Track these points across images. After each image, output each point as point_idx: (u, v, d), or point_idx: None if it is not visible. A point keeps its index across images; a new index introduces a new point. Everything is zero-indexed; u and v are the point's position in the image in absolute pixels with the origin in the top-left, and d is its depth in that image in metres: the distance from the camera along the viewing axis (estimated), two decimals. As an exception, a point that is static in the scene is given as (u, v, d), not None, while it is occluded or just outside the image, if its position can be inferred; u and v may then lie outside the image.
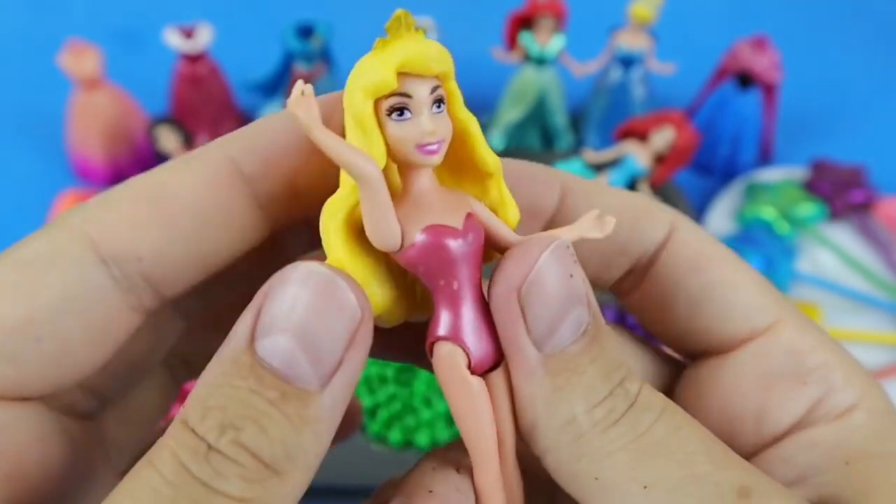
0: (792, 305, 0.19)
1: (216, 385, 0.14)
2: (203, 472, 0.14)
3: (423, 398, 0.46)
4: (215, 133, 0.64)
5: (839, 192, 0.59)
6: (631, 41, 0.60)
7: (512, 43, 0.60)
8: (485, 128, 0.66)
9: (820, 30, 0.83)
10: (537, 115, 0.62)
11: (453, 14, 0.79)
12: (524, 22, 0.59)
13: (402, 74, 0.15)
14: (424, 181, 0.16)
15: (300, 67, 0.58)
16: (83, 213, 0.16)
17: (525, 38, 0.58)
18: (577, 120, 0.67)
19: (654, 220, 0.19)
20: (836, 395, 0.18)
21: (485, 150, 0.16)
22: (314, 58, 0.58)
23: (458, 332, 0.16)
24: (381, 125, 0.15)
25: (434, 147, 0.15)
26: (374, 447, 0.44)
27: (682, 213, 0.20)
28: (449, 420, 0.46)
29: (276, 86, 0.61)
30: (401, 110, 0.15)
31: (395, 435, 0.44)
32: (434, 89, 0.16)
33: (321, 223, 0.15)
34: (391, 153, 0.16)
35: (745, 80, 0.61)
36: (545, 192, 0.19)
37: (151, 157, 0.62)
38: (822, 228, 0.59)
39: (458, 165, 0.17)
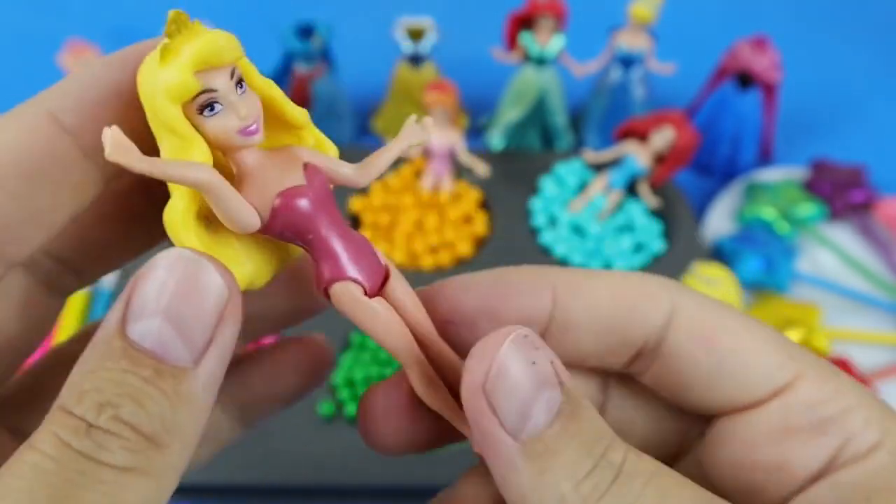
0: (807, 355, 0.19)
1: (90, 371, 0.15)
2: (85, 446, 0.14)
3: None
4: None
5: (839, 192, 0.59)
6: (631, 41, 0.60)
7: (512, 43, 0.60)
8: (485, 128, 0.66)
9: (820, 30, 0.83)
10: (537, 116, 0.62)
11: (453, 15, 0.79)
12: (524, 22, 0.59)
13: (199, 72, 0.15)
14: (252, 156, 0.16)
15: (300, 67, 0.58)
16: None
17: (525, 39, 0.58)
18: (577, 120, 0.67)
19: (653, 301, 0.19)
20: (857, 439, 0.18)
21: (291, 108, 0.17)
22: (314, 58, 0.58)
23: (342, 270, 0.17)
24: (195, 124, 0.16)
25: (253, 128, 0.16)
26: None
27: (680, 284, 0.20)
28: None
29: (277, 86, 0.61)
30: (211, 105, 0.16)
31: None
32: (232, 74, 0.16)
33: (168, 233, 0.16)
34: (214, 145, 0.16)
35: (745, 80, 0.61)
36: (535, 304, 0.19)
37: (151, 158, 0.62)
38: (822, 228, 0.59)
39: (272, 124, 0.17)
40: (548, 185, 0.58)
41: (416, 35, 0.60)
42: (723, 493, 0.18)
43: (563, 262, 0.54)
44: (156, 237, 0.19)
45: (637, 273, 0.21)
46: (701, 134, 0.60)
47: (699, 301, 0.20)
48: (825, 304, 0.53)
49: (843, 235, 0.59)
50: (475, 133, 0.68)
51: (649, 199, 0.57)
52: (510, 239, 0.55)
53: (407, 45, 0.60)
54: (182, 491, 0.42)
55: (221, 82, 0.16)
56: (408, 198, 0.56)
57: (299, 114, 0.17)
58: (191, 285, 0.15)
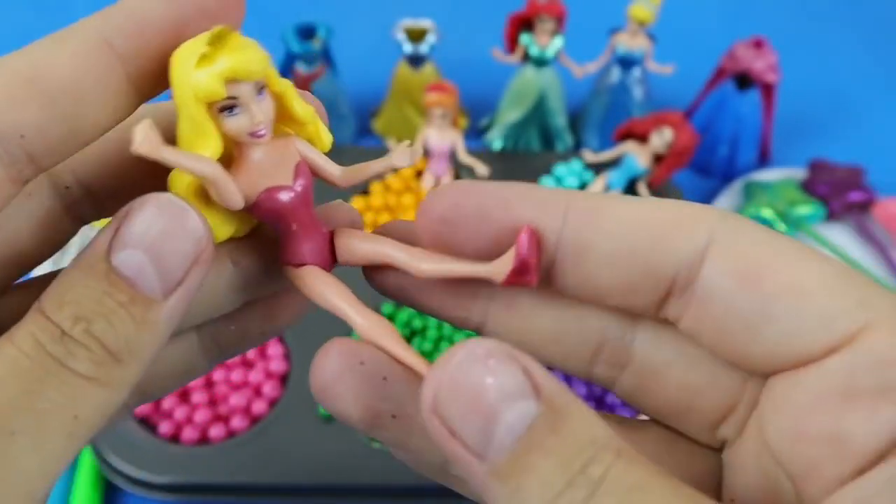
0: (887, 299, 0.16)
1: (73, 284, 0.16)
2: (57, 351, 0.16)
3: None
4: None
5: (837, 193, 0.59)
6: (630, 42, 0.60)
7: (512, 44, 0.60)
8: (485, 128, 0.67)
9: (818, 31, 0.83)
10: (537, 116, 0.62)
11: (453, 15, 0.79)
12: (524, 23, 0.59)
13: (228, 82, 0.17)
14: (254, 149, 0.19)
15: (301, 68, 0.58)
16: None
17: (525, 40, 0.59)
18: (576, 120, 0.67)
19: (687, 228, 0.17)
20: None
21: (299, 107, 0.19)
22: (315, 59, 0.58)
23: (302, 257, 0.20)
24: (214, 118, 0.18)
25: (262, 132, 0.18)
26: (374, 447, 0.44)
27: (726, 211, 0.17)
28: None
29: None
30: (231, 108, 0.18)
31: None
32: (256, 84, 0.18)
33: (169, 183, 0.18)
34: (227, 138, 0.18)
35: (744, 81, 0.61)
36: (542, 217, 0.18)
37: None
38: (820, 229, 0.59)
39: (281, 114, 0.19)
40: (547, 185, 0.58)
41: (416, 36, 0.60)
42: (784, 470, 0.16)
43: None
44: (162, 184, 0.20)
45: (673, 200, 0.18)
46: (700, 134, 0.60)
47: (747, 229, 0.17)
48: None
49: (841, 236, 0.59)
50: (475, 133, 0.68)
51: (648, 199, 0.57)
52: (510, 239, 0.55)
53: (407, 46, 0.60)
54: (183, 490, 0.42)
55: (245, 91, 0.18)
56: (408, 198, 0.57)
57: (304, 112, 0.20)
58: (175, 228, 0.17)
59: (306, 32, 0.57)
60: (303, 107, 0.19)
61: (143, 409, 0.45)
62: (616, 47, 0.60)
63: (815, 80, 0.76)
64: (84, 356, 0.16)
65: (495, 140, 0.63)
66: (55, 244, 0.20)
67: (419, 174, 0.59)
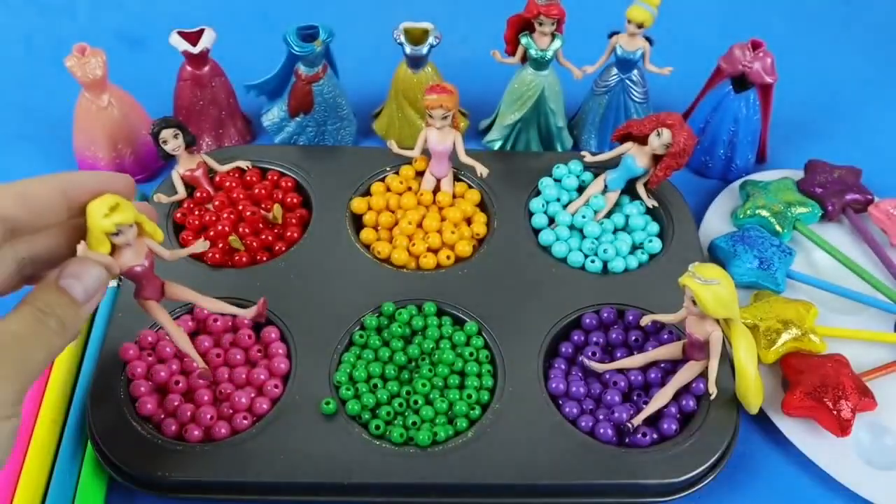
0: None
1: (42, 292, 0.35)
2: (41, 318, 0.34)
3: (423, 396, 0.47)
4: (219, 134, 0.65)
5: (834, 193, 0.60)
6: (628, 44, 0.60)
7: (511, 46, 0.61)
8: (485, 129, 0.67)
9: (814, 34, 0.83)
10: (536, 117, 0.63)
11: (454, 17, 0.80)
12: (524, 25, 0.59)
13: (117, 224, 0.37)
14: (125, 249, 0.39)
15: (303, 70, 0.59)
16: None
17: (524, 41, 0.59)
18: (575, 122, 0.67)
19: None
20: None
21: (147, 224, 0.39)
22: (316, 60, 0.58)
23: (147, 295, 0.43)
24: (107, 237, 0.37)
25: (130, 244, 0.39)
26: (375, 445, 0.44)
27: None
28: (449, 418, 0.47)
29: (280, 89, 0.62)
30: (116, 233, 0.37)
31: (396, 433, 0.45)
32: (128, 224, 0.38)
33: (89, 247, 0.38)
34: (112, 243, 0.38)
35: (741, 82, 0.62)
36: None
37: (156, 159, 0.63)
38: (816, 229, 0.60)
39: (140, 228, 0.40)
40: (547, 185, 0.59)
41: (416, 38, 0.61)
42: None
43: (562, 262, 0.55)
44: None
45: None
46: (698, 136, 0.61)
47: None
48: (820, 303, 0.53)
49: (837, 236, 0.60)
50: (475, 134, 0.68)
51: (647, 199, 0.58)
52: (510, 239, 0.56)
53: (407, 48, 0.60)
54: (186, 488, 0.42)
55: (126, 228, 0.38)
56: (408, 198, 0.57)
57: (148, 225, 0.39)
58: (89, 271, 0.36)
59: (308, 35, 0.58)
60: (148, 223, 0.39)
61: (148, 408, 0.45)
62: (615, 49, 0.61)
63: (812, 82, 0.76)
64: (52, 322, 0.34)
65: (495, 141, 0.64)
66: (7, 290, 0.37)
67: (420, 174, 0.59)
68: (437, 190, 0.58)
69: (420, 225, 0.56)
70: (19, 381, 0.33)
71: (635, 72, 0.62)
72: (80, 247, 0.37)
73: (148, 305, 0.43)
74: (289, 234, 0.56)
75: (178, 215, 0.56)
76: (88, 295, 0.36)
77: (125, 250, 0.39)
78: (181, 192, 0.56)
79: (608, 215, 0.58)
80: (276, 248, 0.55)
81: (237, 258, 0.54)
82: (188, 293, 0.43)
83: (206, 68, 0.62)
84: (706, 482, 0.45)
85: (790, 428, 0.48)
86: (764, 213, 0.58)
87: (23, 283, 0.38)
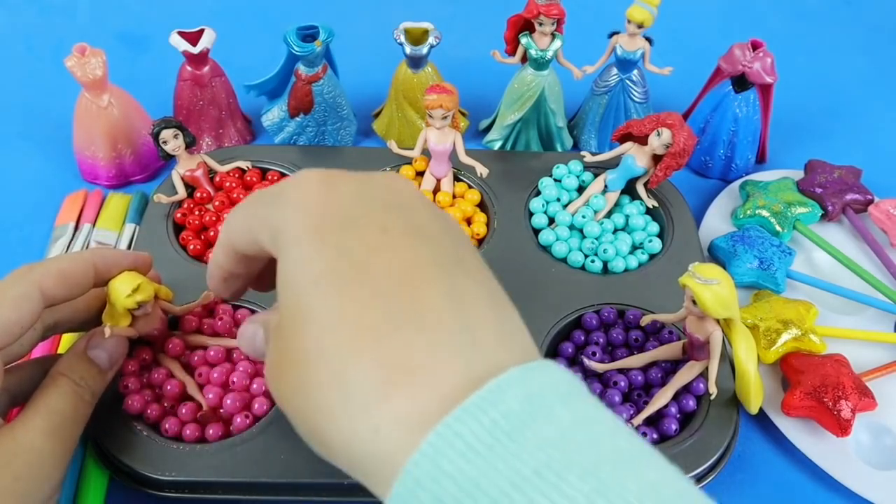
0: None
1: (72, 363, 0.40)
2: (76, 389, 0.40)
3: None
4: (219, 134, 0.65)
5: (834, 193, 0.60)
6: (628, 44, 0.60)
7: (511, 46, 0.61)
8: (485, 129, 0.67)
9: (815, 33, 0.84)
10: (536, 117, 0.63)
11: (454, 17, 0.80)
12: (524, 25, 0.59)
13: (139, 301, 0.42)
14: (141, 318, 0.44)
15: (303, 70, 0.59)
16: None
17: (524, 41, 0.59)
18: (575, 122, 0.67)
19: None
20: None
21: (162, 290, 0.45)
22: (316, 60, 0.58)
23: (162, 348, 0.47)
24: (128, 312, 0.43)
25: (148, 315, 0.44)
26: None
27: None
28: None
29: (280, 89, 0.62)
30: (137, 308, 0.42)
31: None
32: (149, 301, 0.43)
33: (106, 321, 0.43)
34: (133, 317, 0.43)
35: (742, 82, 0.62)
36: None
37: (156, 160, 0.63)
38: (817, 229, 0.60)
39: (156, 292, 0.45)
40: (547, 185, 0.59)
41: (416, 38, 0.61)
42: None
43: (562, 262, 0.55)
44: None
45: None
46: (698, 136, 0.61)
47: None
48: (820, 303, 0.53)
49: (837, 236, 0.60)
50: (475, 134, 0.68)
51: (647, 199, 0.58)
52: (510, 239, 0.56)
53: (408, 48, 0.60)
54: (186, 488, 0.42)
55: (145, 304, 0.43)
56: (409, 198, 0.57)
57: (164, 291, 0.45)
58: (112, 342, 0.42)
59: (308, 35, 0.58)
60: (162, 290, 0.45)
61: (148, 408, 0.45)
62: (615, 49, 0.61)
63: (812, 82, 0.76)
64: (87, 395, 0.40)
65: (495, 141, 0.64)
66: (26, 352, 0.41)
67: (420, 174, 0.59)
68: (437, 190, 0.58)
69: (420, 225, 0.56)
70: (66, 460, 0.37)
71: (635, 72, 0.62)
72: (107, 330, 0.42)
73: (160, 357, 0.47)
74: (289, 234, 0.56)
75: (179, 216, 0.56)
76: (112, 363, 0.41)
77: (142, 318, 0.44)
78: (181, 193, 0.56)
79: (608, 215, 0.58)
80: (276, 248, 0.55)
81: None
82: (197, 338, 0.48)
83: (206, 68, 0.62)
84: (706, 482, 0.45)
85: (790, 428, 0.48)
86: (764, 213, 0.58)
87: (39, 342, 0.42)
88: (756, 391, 0.45)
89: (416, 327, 0.25)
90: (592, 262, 0.54)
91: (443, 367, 0.25)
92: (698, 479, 0.44)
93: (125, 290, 0.41)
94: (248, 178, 0.58)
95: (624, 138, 0.58)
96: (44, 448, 0.36)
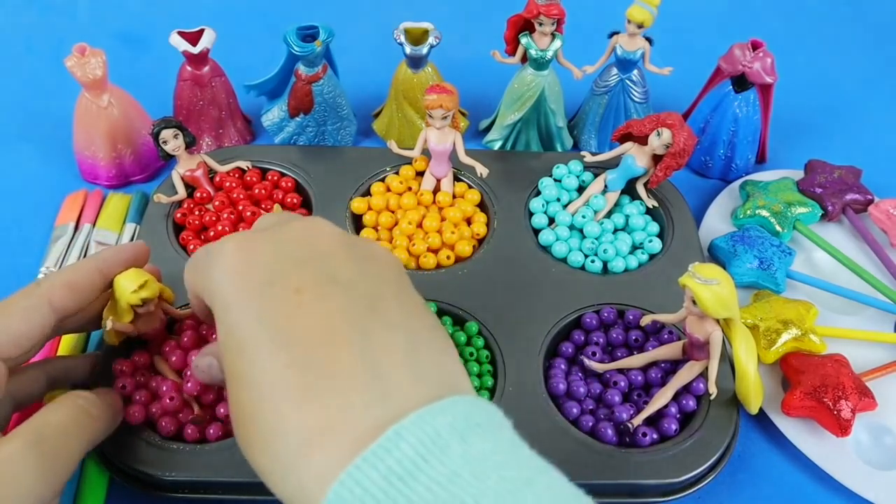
0: None
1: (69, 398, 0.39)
2: (82, 406, 0.39)
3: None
4: (219, 134, 0.65)
5: (834, 193, 0.60)
6: (628, 44, 0.60)
7: (511, 46, 0.61)
8: (485, 129, 0.67)
9: (815, 33, 0.84)
10: (536, 117, 0.63)
11: (453, 17, 0.80)
12: (524, 25, 0.59)
13: (143, 297, 0.42)
14: (143, 316, 0.44)
15: (303, 70, 0.59)
16: None
17: (524, 41, 0.59)
18: (575, 122, 0.67)
19: None
20: None
21: (165, 291, 0.45)
22: (316, 60, 0.58)
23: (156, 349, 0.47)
24: (132, 308, 0.43)
25: (149, 312, 0.44)
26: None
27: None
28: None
29: (280, 89, 0.62)
30: (140, 304, 0.43)
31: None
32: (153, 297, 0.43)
33: (107, 316, 0.44)
34: (135, 313, 0.44)
35: (741, 82, 0.62)
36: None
37: (156, 159, 0.63)
38: (817, 229, 0.60)
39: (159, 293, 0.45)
40: (547, 185, 0.59)
41: (416, 37, 0.61)
42: None
43: (562, 262, 0.55)
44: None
45: None
46: (698, 136, 0.61)
47: None
48: (820, 303, 0.53)
49: (837, 236, 0.60)
50: (475, 134, 0.68)
51: (647, 199, 0.58)
52: (510, 239, 0.56)
53: (407, 48, 0.60)
54: (186, 487, 0.42)
55: (149, 301, 0.43)
56: (408, 198, 0.57)
57: (166, 291, 0.45)
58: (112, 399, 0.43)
59: (308, 35, 0.58)
60: (166, 290, 0.45)
61: (147, 411, 0.45)
62: (615, 49, 0.61)
63: (812, 82, 0.76)
64: (93, 410, 0.39)
65: (495, 141, 0.64)
66: (29, 357, 0.40)
67: (420, 174, 0.59)
68: (437, 190, 0.58)
69: (420, 225, 0.56)
70: (57, 474, 0.36)
71: (635, 72, 0.62)
72: (108, 323, 0.42)
73: (156, 360, 0.46)
74: (289, 234, 0.56)
75: (179, 215, 0.56)
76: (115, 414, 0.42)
77: (144, 316, 0.44)
78: (181, 193, 0.56)
79: (608, 215, 0.58)
80: (276, 248, 0.55)
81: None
82: (161, 365, 0.47)
83: (206, 68, 0.62)
84: (706, 482, 0.45)
85: (790, 428, 0.48)
86: (764, 213, 0.58)
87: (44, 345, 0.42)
88: (756, 391, 0.45)
89: (329, 390, 0.29)
90: (592, 262, 0.54)
91: (353, 424, 0.28)
92: (698, 479, 0.44)
93: (130, 286, 0.41)
94: (248, 178, 0.58)
95: (624, 138, 0.58)
96: (26, 460, 0.34)
